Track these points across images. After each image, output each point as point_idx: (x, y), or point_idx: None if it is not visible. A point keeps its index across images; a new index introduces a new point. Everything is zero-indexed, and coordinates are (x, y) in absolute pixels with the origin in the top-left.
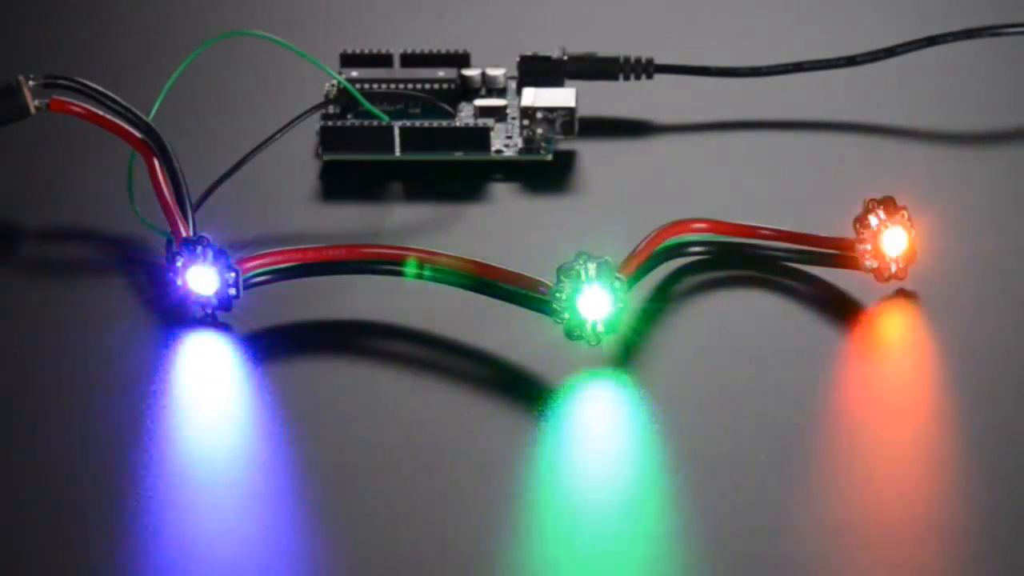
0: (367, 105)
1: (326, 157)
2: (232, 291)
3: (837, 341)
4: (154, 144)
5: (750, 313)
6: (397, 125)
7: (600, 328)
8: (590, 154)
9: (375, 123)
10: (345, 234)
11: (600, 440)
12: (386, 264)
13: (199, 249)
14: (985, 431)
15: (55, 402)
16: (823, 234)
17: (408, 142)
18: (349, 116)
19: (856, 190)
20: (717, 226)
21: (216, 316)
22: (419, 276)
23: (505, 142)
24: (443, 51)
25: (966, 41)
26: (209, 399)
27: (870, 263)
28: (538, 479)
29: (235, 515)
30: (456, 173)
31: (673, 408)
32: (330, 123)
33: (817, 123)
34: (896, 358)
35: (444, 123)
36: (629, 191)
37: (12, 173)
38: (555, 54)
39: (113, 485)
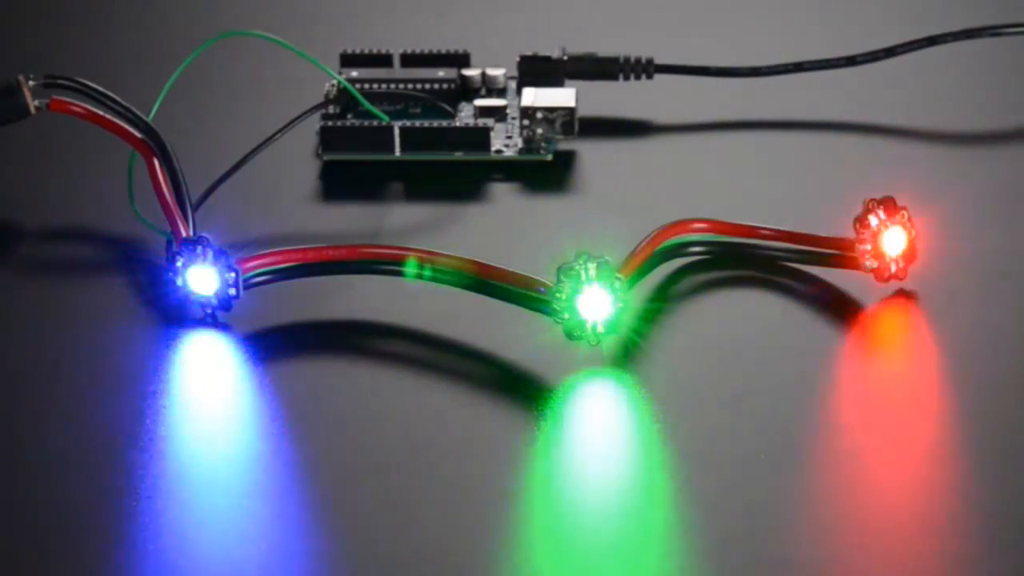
0: (367, 105)
1: (326, 157)
2: (232, 291)
3: (837, 341)
4: (154, 144)
5: (750, 313)
6: (397, 125)
7: (600, 328)
8: (590, 154)
9: (375, 123)
10: (345, 234)
11: (600, 440)
12: (386, 264)
13: (199, 249)
14: (985, 431)
15: (55, 402)
16: (823, 234)
17: (408, 142)
18: (349, 116)
19: (856, 190)
20: (717, 226)
21: (216, 316)
22: (419, 276)
23: (505, 142)
24: (443, 51)
25: (966, 41)
26: (209, 399)
27: (870, 263)
28: (538, 479)
29: (235, 515)
30: (456, 173)
31: (673, 408)
32: (330, 123)
33: (817, 123)
34: (896, 358)
35: (444, 123)
36: (629, 191)
37: (12, 173)
38: (555, 54)
39: (113, 485)
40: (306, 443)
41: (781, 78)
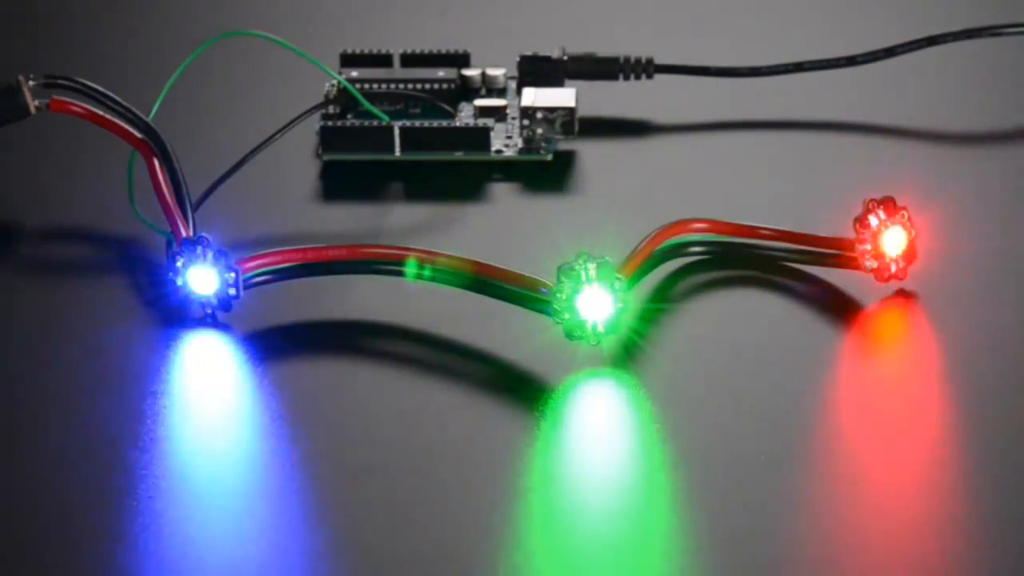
0: (367, 105)
1: (326, 157)
2: (232, 291)
3: (837, 341)
4: (154, 144)
5: (750, 313)
6: (397, 125)
7: (600, 328)
8: (590, 154)
9: (375, 123)
10: (345, 234)
11: (600, 440)
12: (386, 264)
13: (199, 249)
14: (985, 431)
15: (55, 402)
16: (823, 234)
17: (408, 142)
18: (349, 116)
19: (856, 190)
20: (717, 226)
21: (216, 316)
22: (419, 276)
23: (505, 142)
24: (443, 51)
25: (966, 41)
26: (209, 399)
27: (870, 263)
28: (538, 479)
29: (235, 515)
30: (456, 173)
31: (673, 408)
32: (330, 123)
33: (817, 123)
34: (896, 358)
35: (444, 123)
36: (629, 191)
37: (12, 173)
38: (555, 54)
39: (113, 485)
40: (306, 443)
41: (781, 78)
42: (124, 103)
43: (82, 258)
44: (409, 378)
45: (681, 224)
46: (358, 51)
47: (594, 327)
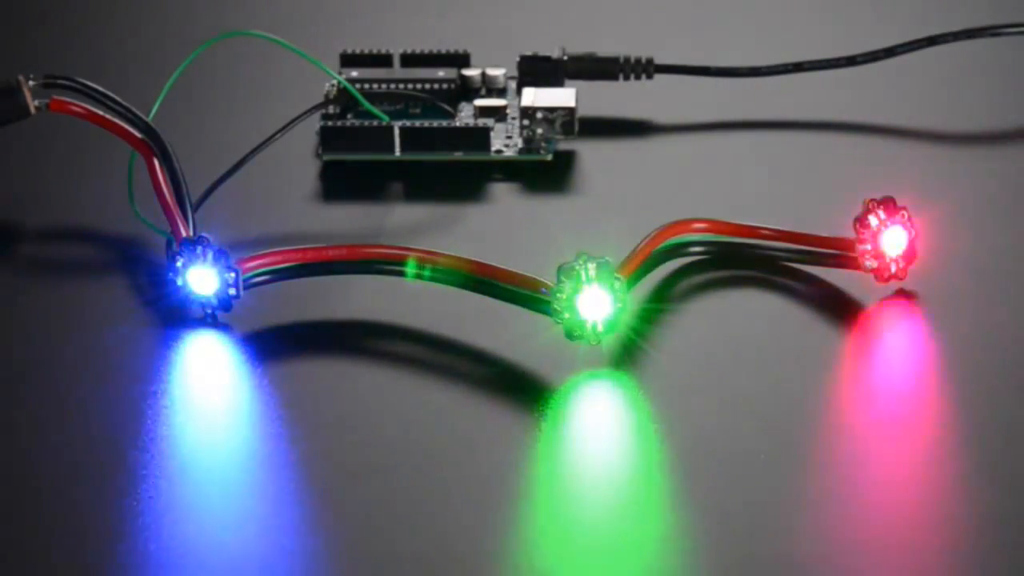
0: (367, 105)
1: (326, 157)
2: (232, 291)
3: (837, 341)
4: (154, 144)
5: (750, 313)
6: (397, 125)
7: (600, 328)
8: (590, 154)
9: (375, 123)
10: (345, 234)
11: (600, 440)
12: (386, 264)
13: (199, 249)
14: (985, 431)
15: (55, 402)
16: (823, 234)
17: (408, 142)
18: (349, 116)
19: (856, 190)
20: (717, 226)
21: (216, 316)
22: (419, 276)
23: (505, 142)
24: (443, 51)
25: (966, 41)
26: (209, 399)
27: (870, 263)
28: (538, 479)
29: (235, 515)
30: (456, 173)
31: (673, 408)
32: (330, 123)
33: (817, 123)
34: (896, 358)
35: (444, 123)
36: (629, 191)
37: (12, 173)
38: (555, 54)
39: (113, 485)
40: (306, 443)
41: (781, 78)
42: (124, 103)
43: (82, 258)
44: (409, 378)
45: (681, 224)
46: (358, 51)
47: (594, 327)
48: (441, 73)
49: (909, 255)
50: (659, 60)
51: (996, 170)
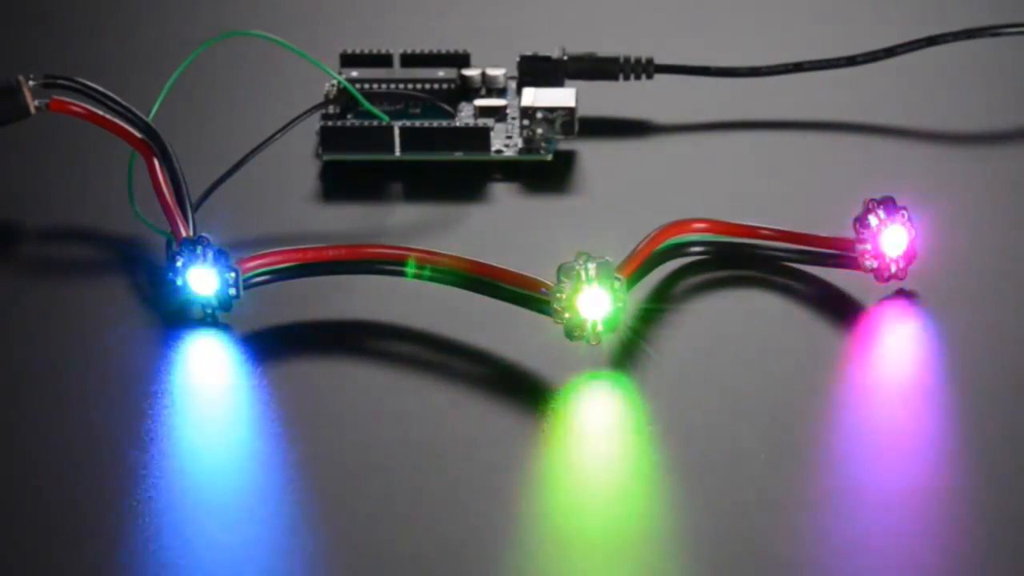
0: (367, 105)
1: (326, 157)
2: (232, 291)
3: (837, 341)
4: (154, 144)
5: (750, 313)
6: (397, 125)
7: (600, 328)
8: (590, 154)
9: (375, 123)
10: (345, 234)
11: (600, 440)
12: (386, 264)
13: (199, 249)
14: (985, 431)
15: (55, 402)
16: (823, 234)
17: (408, 142)
18: (349, 116)
19: (856, 190)
20: (717, 226)
21: (216, 316)
22: (419, 276)
23: (505, 142)
24: (443, 51)
25: (966, 41)
26: (209, 399)
27: (870, 263)
28: (538, 479)
29: (235, 515)
30: (456, 173)
31: (673, 408)
32: (330, 123)
33: (817, 123)
34: (896, 358)
35: (444, 123)
36: (629, 191)
37: (12, 173)
38: (555, 54)
39: (113, 485)
40: (306, 443)
41: (781, 78)
42: (124, 103)
43: (82, 258)
44: (409, 378)
45: (681, 224)
46: (358, 51)
47: (594, 327)
48: (441, 73)
49: (909, 255)
50: (659, 60)
51: (996, 170)
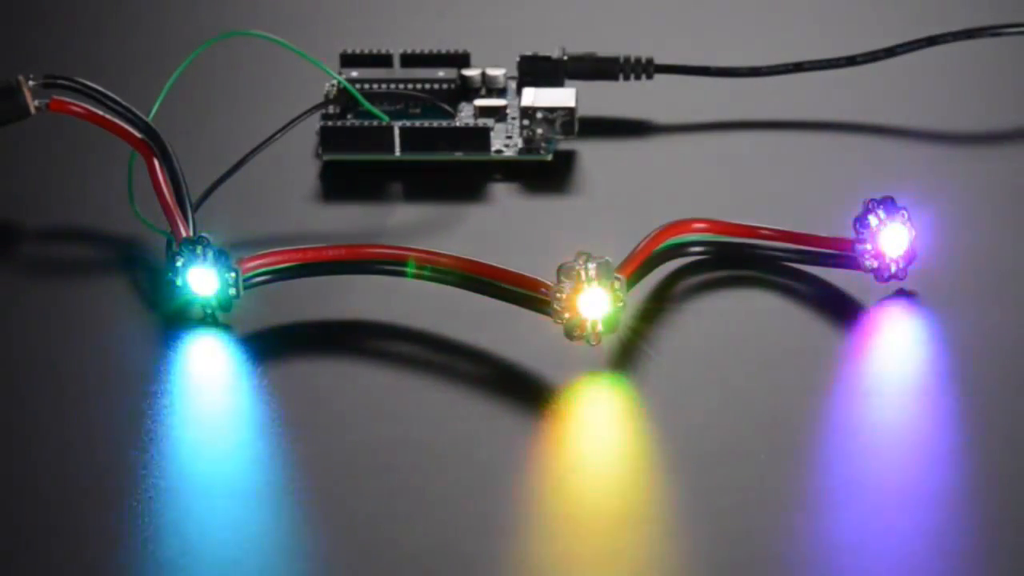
0: (367, 105)
1: (326, 157)
2: (232, 291)
3: (837, 341)
4: (154, 144)
5: (750, 313)
6: (397, 125)
7: (600, 328)
8: (590, 154)
9: (375, 123)
10: (345, 234)
11: (600, 440)
12: (386, 264)
13: (199, 249)
14: (985, 431)
15: (55, 402)
16: (823, 234)
17: (408, 142)
18: (349, 116)
19: (856, 190)
20: (717, 226)
21: (216, 316)
22: (419, 276)
23: (505, 142)
24: (443, 51)
25: (966, 41)
26: (209, 399)
27: (870, 263)
28: (538, 479)
29: (235, 515)
30: (456, 173)
31: (673, 408)
32: (330, 123)
33: (817, 123)
34: (896, 358)
35: (444, 123)
36: (629, 191)
37: (12, 173)
38: (555, 54)
39: (113, 485)
40: (306, 443)
41: (781, 78)
42: (124, 103)
43: (82, 258)
44: (409, 378)
45: (681, 224)
46: (358, 51)
47: (594, 327)
48: (441, 73)
49: (909, 255)
50: (659, 60)
51: (996, 170)
